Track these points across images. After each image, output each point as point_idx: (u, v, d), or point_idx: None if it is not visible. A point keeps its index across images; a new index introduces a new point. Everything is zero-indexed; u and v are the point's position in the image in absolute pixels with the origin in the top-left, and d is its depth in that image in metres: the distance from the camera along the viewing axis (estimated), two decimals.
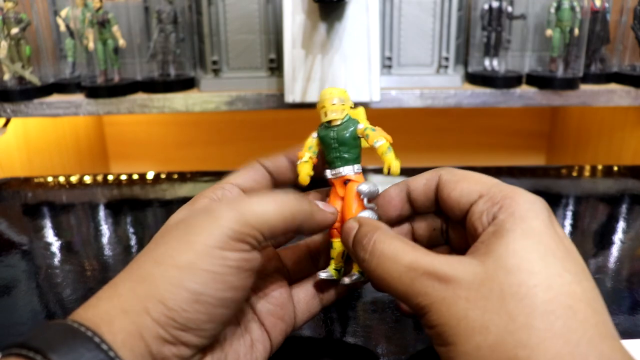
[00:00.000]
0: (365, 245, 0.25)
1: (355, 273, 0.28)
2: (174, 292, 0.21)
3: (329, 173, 0.29)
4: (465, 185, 0.25)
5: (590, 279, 0.22)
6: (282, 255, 0.31)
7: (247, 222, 0.23)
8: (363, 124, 0.28)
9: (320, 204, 0.28)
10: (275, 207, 0.24)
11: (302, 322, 0.30)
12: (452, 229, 0.28)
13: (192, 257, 0.22)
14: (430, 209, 0.28)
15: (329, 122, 0.28)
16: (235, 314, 0.27)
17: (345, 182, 0.28)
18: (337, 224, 0.28)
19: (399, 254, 0.23)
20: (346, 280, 0.28)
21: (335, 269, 0.29)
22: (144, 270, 0.22)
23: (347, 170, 0.28)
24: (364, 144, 0.29)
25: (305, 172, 0.29)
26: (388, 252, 0.24)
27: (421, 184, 0.28)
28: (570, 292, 0.20)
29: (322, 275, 0.29)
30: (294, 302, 0.29)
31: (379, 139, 0.28)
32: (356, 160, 0.28)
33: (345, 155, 0.28)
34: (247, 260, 0.23)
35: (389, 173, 0.27)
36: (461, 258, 0.22)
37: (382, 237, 0.25)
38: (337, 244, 0.29)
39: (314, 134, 0.29)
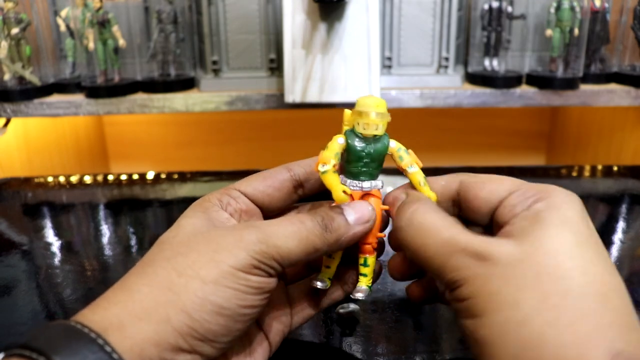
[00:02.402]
0: (403, 214, 0.25)
1: (363, 286, 0.28)
2: (198, 304, 0.22)
3: (348, 183, 0.27)
4: (494, 185, 0.26)
5: (618, 274, 0.22)
6: None
7: (270, 255, 0.24)
8: (396, 143, 0.27)
9: (350, 213, 0.26)
10: (298, 244, 0.24)
11: (299, 323, 0.30)
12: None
13: (217, 275, 0.23)
14: (449, 209, 0.28)
15: (371, 136, 0.26)
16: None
17: (363, 195, 0.27)
18: (371, 239, 0.28)
19: (438, 227, 0.24)
20: (359, 295, 0.28)
21: (329, 279, 0.29)
22: (165, 279, 0.22)
23: (371, 185, 0.27)
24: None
25: (339, 188, 0.26)
26: (428, 224, 0.24)
27: (439, 185, 0.28)
28: (604, 281, 0.21)
29: (319, 285, 0.28)
30: (290, 303, 0.30)
31: (413, 165, 0.27)
32: (378, 176, 0.28)
33: (373, 171, 0.27)
34: (267, 284, 0.24)
35: None
36: (499, 239, 0.23)
37: (423, 209, 0.25)
38: (336, 254, 0.28)
39: (341, 139, 0.27)
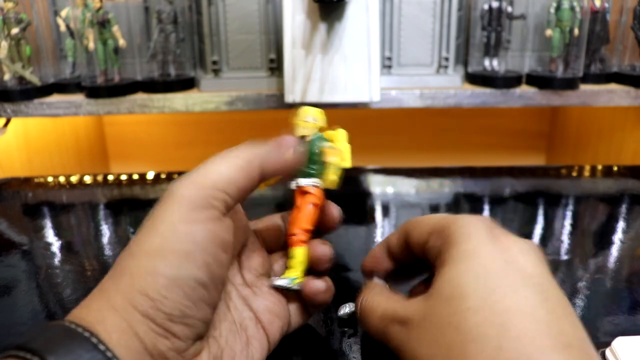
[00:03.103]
0: (359, 303, 0.28)
1: (286, 278, 0.29)
2: (150, 281, 0.21)
3: (292, 183, 0.30)
4: (418, 229, 0.27)
5: (534, 284, 0.21)
6: (275, 255, 0.32)
7: (204, 186, 0.23)
8: (329, 144, 0.30)
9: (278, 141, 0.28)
10: (228, 161, 0.24)
11: (298, 321, 0.30)
12: None
13: (159, 241, 0.22)
14: (411, 259, 0.29)
15: (302, 137, 0.30)
16: (229, 307, 0.27)
17: (304, 193, 0.30)
18: (296, 230, 0.29)
19: (374, 307, 0.26)
20: (277, 282, 0.29)
21: (292, 278, 0.29)
22: (121, 265, 0.22)
23: (305, 182, 0.30)
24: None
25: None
26: (367, 307, 0.27)
27: (395, 239, 0.29)
28: (504, 308, 0.20)
29: (277, 282, 0.29)
30: (288, 301, 0.30)
31: (332, 156, 0.30)
32: (318, 175, 0.30)
33: (308, 169, 0.30)
34: (214, 232, 0.23)
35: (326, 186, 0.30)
36: (415, 299, 0.24)
37: (367, 296, 0.28)
38: (297, 252, 0.29)
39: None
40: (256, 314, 0.28)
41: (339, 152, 0.30)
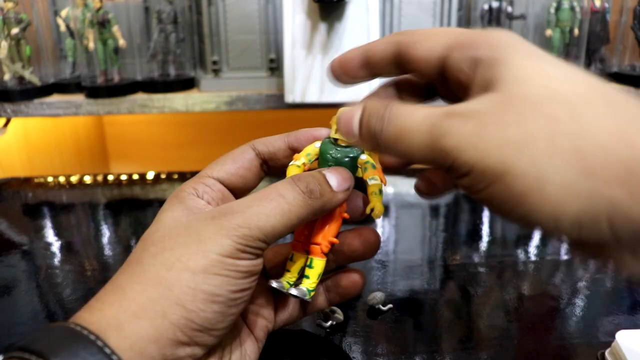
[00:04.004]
0: (382, 116, 0.22)
1: (303, 287, 0.27)
2: (191, 294, 0.22)
3: None
4: (425, 42, 0.24)
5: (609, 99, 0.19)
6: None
7: (254, 237, 0.23)
8: (366, 156, 0.27)
9: (332, 177, 0.26)
10: (280, 219, 0.24)
11: (283, 320, 0.30)
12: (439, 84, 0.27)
13: (205, 264, 0.22)
14: (392, 72, 0.26)
15: (336, 139, 0.27)
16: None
17: None
18: (321, 241, 0.27)
19: (414, 111, 0.22)
20: (293, 291, 0.27)
21: (288, 282, 0.28)
22: (155, 275, 0.22)
23: None
24: (359, 174, 0.28)
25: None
26: (405, 113, 0.22)
27: (379, 49, 0.26)
28: (597, 84, 0.19)
29: (274, 284, 0.28)
30: (275, 300, 0.30)
31: (375, 178, 0.27)
32: None
33: None
34: (254, 266, 0.24)
35: (370, 214, 0.27)
36: (472, 99, 0.21)
37: (399, 105, 0.22)
38: (297, 258, 0.28)
39: (317, 144, 0.28)
40: (243, 315, 0.28)
41: (380, 172, 0.27)
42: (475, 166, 0.19)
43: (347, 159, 0.27)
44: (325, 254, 0.28)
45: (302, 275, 0.28)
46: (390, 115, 0.22)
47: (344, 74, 0.27)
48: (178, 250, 0.23)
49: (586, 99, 0.18)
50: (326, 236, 0.27)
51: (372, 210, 0.27)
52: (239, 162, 0.29)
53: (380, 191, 0.27)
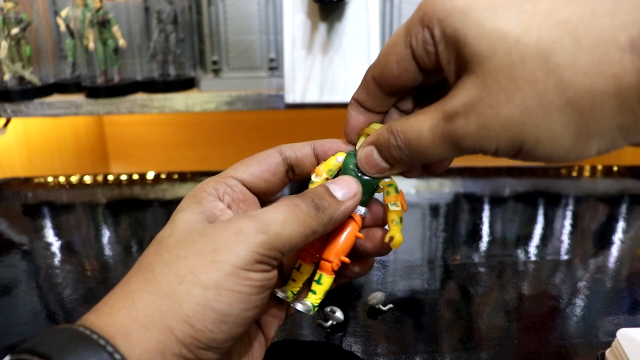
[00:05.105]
0: (395, 145, 0.24)
1: (308, 302, 0.27)
2: (200, 313, 0.21)
3: None
4: (392, 64, 0.24)
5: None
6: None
7: (273, 247, 0.23)
8: (390, 179, 0.27)
9: (335, 188, 0.26)
10: (297, 227, 0.24)
11: (290, 314, 0.30)
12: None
13: (218, 277, 0.22)
14: (390, 97, 0.26)
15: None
16: None
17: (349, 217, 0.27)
18: (333, 259, 0.27)
19: (417, 126, 0.22)
20: (299, 307, 0.27)
21: (292, 292, 0.28)
22: (166, 287, 0.22)
23: (357, 209, 0.27)
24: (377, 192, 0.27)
25: None
26: (407, 129, 0.23)
27: (363, 92, 0.26)
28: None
29: (279, 294, 0.27)
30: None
31: (396, 204, 0.27)
32: (365, 203, 0.27)
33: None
34: (269, 280, 0.23)
35: (388, 242, 0.26)
36: (455, 90, 0.21)
37: (395, 124, 0.24)
38: (304, 269, 0.28)
39: (340, 157, 0.27)
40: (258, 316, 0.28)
41: (402, 197, 0.27)
42: (498, 149, 0.21)
43: (370, 179, 0.26)
44: (335, 272, 0.27)
45: (307, 286, 0.28)
46: (402, 140, 0.24)
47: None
48: (192, 260, 0.22)
49: (546, 39, 0.19)
50: (338, 254, 0.27)
51: (391, 239, 0.26)
52: (264, 165, 0.28)
53: (401, 219, 0.27)
